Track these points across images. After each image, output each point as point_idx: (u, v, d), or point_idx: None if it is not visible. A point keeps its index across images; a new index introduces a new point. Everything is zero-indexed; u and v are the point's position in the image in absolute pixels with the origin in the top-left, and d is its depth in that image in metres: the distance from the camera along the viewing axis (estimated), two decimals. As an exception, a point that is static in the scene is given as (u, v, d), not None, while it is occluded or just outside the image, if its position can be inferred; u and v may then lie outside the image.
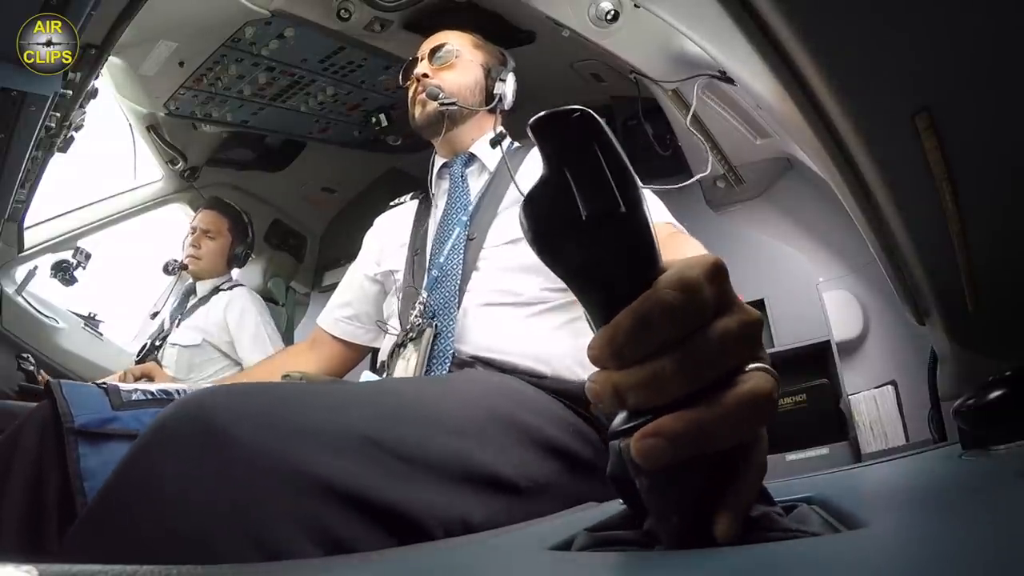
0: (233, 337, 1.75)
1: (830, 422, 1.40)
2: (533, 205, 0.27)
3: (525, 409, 0.66)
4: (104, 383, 0.84)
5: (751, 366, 0.26)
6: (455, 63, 1.07)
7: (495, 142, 1.04)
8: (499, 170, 1.00)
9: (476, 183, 1.03)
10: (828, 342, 1.46)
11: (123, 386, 0.84)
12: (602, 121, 0.26)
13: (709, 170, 1.37)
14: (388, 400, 0.57)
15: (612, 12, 1.28)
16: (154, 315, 1.96)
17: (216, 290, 1.84)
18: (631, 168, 0.27)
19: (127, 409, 0.79)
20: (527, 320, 0.87)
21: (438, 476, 0.50)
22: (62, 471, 0.69)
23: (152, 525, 0.36)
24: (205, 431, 0.39)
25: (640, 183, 0.27)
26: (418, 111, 1.05)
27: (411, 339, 0.87)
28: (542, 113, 0.26)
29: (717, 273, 0.27)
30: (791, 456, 1.34)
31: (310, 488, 0.41)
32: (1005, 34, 0.36)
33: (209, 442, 0.39)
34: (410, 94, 1.08)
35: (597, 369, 0.27)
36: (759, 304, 1.54)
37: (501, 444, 0.59)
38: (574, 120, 0.26)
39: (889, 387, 1.44)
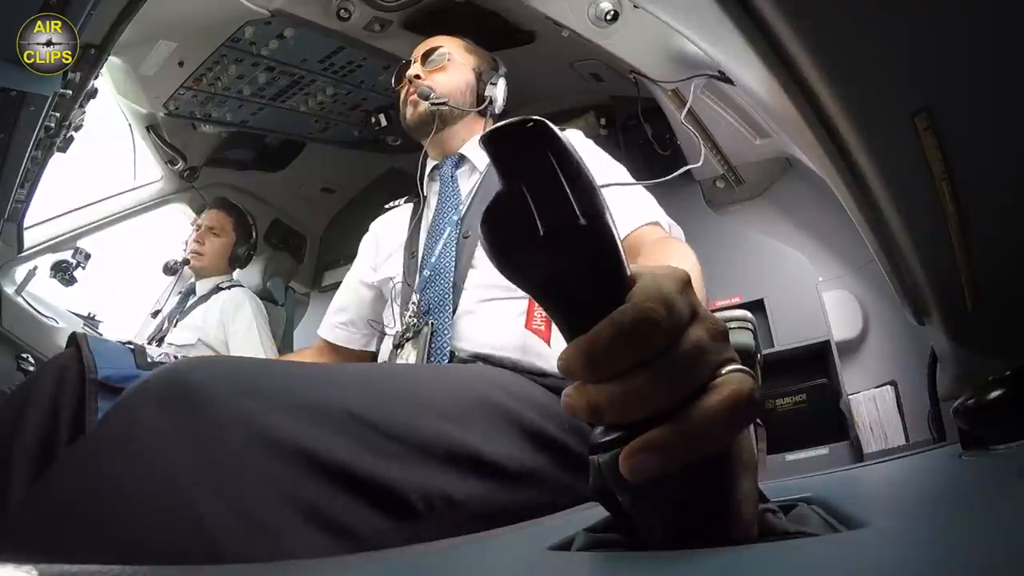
0: (226, 333, 1.73)
1: (830, 422, 1.40)
2: (491, 221, 0.26)
3: (516, 400, 0.66)
4: (131, 343, 0.84)
5: (726, 369, 0.26)
6: (447, 66, 1.09)
7: None
8: (489, 169, 1.01)
9: (467, 183, 1.04)
10: (828, 342, 1.46)
11: (150, 349, 0.84)
12: (557, 130, 0.25)
13: (702, 162, 1.37)
14: (375, 380, 0.57)
15: (612, 12, 1.28)
16: (155, 314, 1.96)
17: (217, 289, 1.83)
18: (591, 177, 0.25)
19: (151, 371, 0.79)
20: (524, 316, 0.87)
21: (421, 453, 0.51)
22: (77, 421, 0.68)
23: (127, 478, 0.36)
24: (183, 392, 0.40)
25: (602, 192, 0.26)
26: (410, 111, 1.07)
27: (407, 339, 0.88)
28: (494, 127, 0.26)
29: (687, 285, 0.27)
30: (791, 456, 1.34)
31: (287, 455, 0.41)
32: (1005, 34, 0.36)
33: (186, 402, 0.39)
34: (402, 96, 1.09)
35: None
36: (759, 304, 1.54)
37: (487, 429, 0.59)
38: (527, 131, 0.25)
39: (889, 387, 1.44)
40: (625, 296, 0.26)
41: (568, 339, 0.26)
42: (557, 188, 0.25)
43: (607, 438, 0.26)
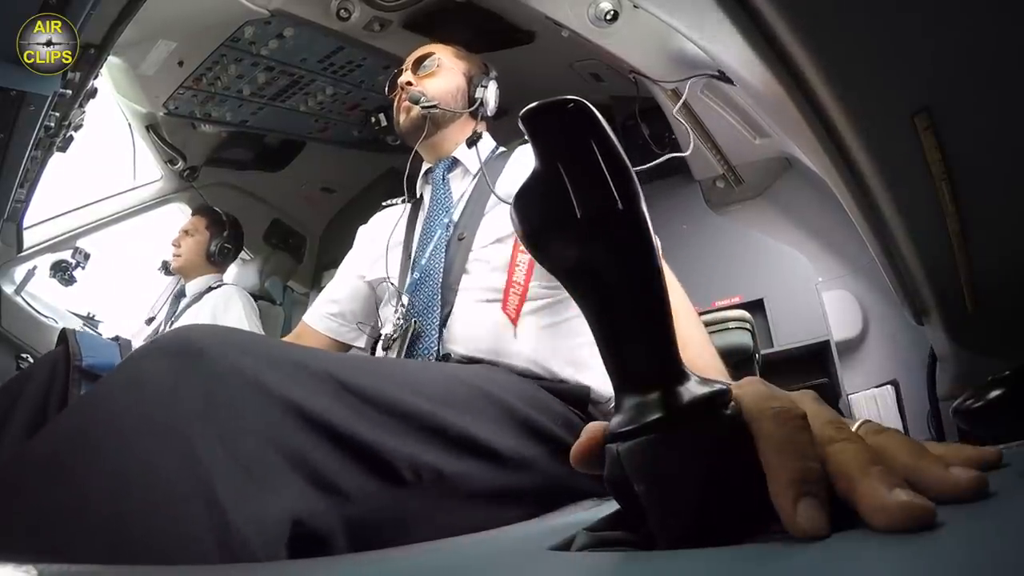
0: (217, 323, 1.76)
1: (830, 422, 1.40)
2: (525, 202, 0.26)
3: (509, 392, 0.66)
4: (118, 337, 0.87)
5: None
6: (437, 71, 1.11)
7: (471, 142, 1.06)
8: (481, 173, 1.02)
9: (459, 186, 1.05)
10: (827, 342, 1.46)
11: (136, 342, 0.89)
12: (597, 112, 0.25)
13: (691, 150, 1.38)
14: (367, 362, 0.60)
15: (611, 12, 1.28)
16: (149, 320, 1.97)
17: (208, 289, 1.86)
18: (628, 162, 0.25)
19: None
20: (521, 319, 0.87)
21: (410, 427, 0.52)
22: (63, 407, 0.74)
23: (132, 415, 0.39)
24: (185, 346, 0.43)
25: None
26: (403, 117, 1.09)
27: (394, 340, 0.88)
28: (534, 104, 0.25)
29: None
30: (791, 456, 1.34)
31: (277, 406, 0.44)
32: (1004, 34, 0.36)
33: (187, 355, 0.43)
34: (395, 103, 1.11)
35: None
36: (759, 304, 1.54)
37: (480, 415, 0.59)
38: (568, 112, 0.24)
39: (889, 387, 1.45)
40: (655, 284, 0.25)
41: (595, 327, 0.26)
42: (597, 171, 0.24)
43: (626, 428, 0.25)
